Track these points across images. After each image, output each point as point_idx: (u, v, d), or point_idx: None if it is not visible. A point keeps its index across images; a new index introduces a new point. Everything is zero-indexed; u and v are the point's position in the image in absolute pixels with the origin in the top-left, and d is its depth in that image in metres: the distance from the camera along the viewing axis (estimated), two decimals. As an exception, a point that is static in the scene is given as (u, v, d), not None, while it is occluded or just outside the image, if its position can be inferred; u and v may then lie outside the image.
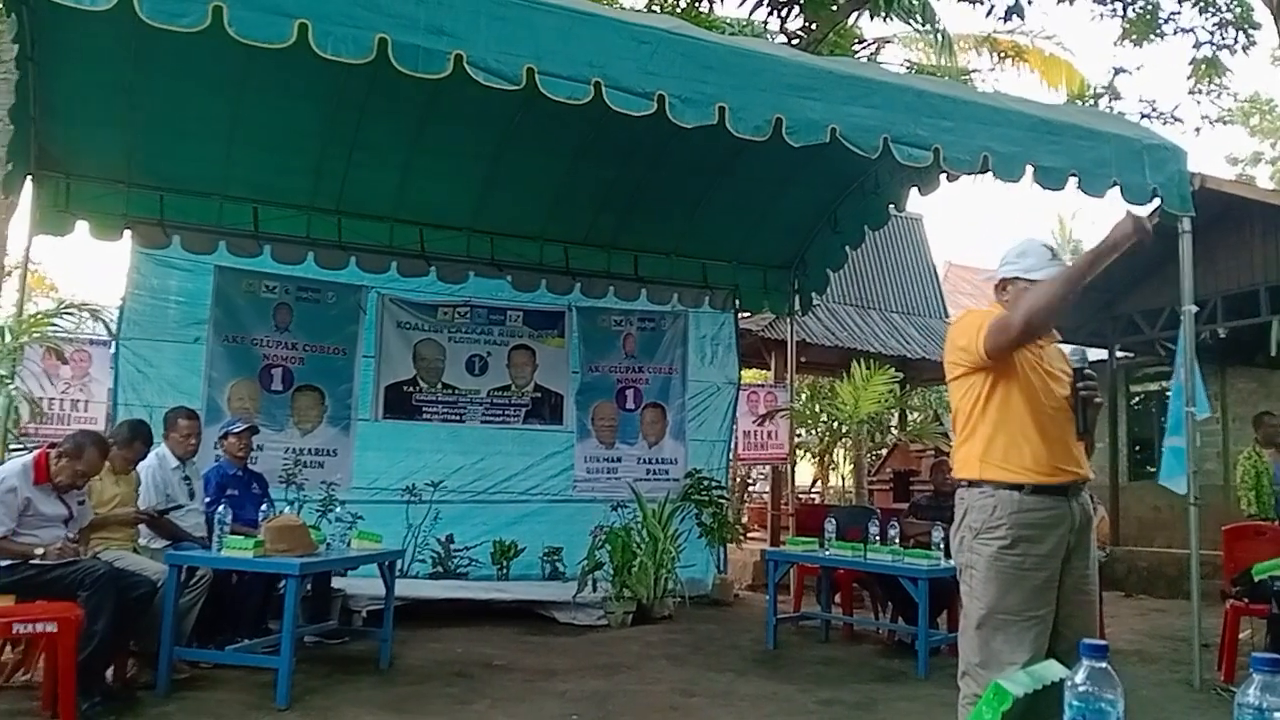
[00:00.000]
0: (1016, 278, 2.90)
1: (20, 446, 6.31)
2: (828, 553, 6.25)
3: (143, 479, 5.24)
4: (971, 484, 2.86)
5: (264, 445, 6.97)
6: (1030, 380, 2.81)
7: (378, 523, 6.89)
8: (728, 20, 10.79)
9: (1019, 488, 2.75)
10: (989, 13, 10.82)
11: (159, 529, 5.21)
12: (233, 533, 4.82)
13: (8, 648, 4.63)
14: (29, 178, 6.53)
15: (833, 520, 6.43)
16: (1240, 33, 11.02)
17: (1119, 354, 11.75)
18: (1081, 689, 1.24)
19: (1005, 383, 2.82)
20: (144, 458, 5.26)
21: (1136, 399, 13.79)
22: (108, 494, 4.98)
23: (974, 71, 13.33)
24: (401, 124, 6.82)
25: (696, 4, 10.86)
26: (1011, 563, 2.72)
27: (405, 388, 8.09)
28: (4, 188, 6.21)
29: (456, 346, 8.27)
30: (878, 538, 6.06)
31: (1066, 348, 2.96)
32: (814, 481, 16.99)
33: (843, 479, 16.58)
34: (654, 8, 10.73)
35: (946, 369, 2.99)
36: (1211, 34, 11.14)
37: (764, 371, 13.06)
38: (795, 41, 10.66)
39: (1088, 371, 2.78)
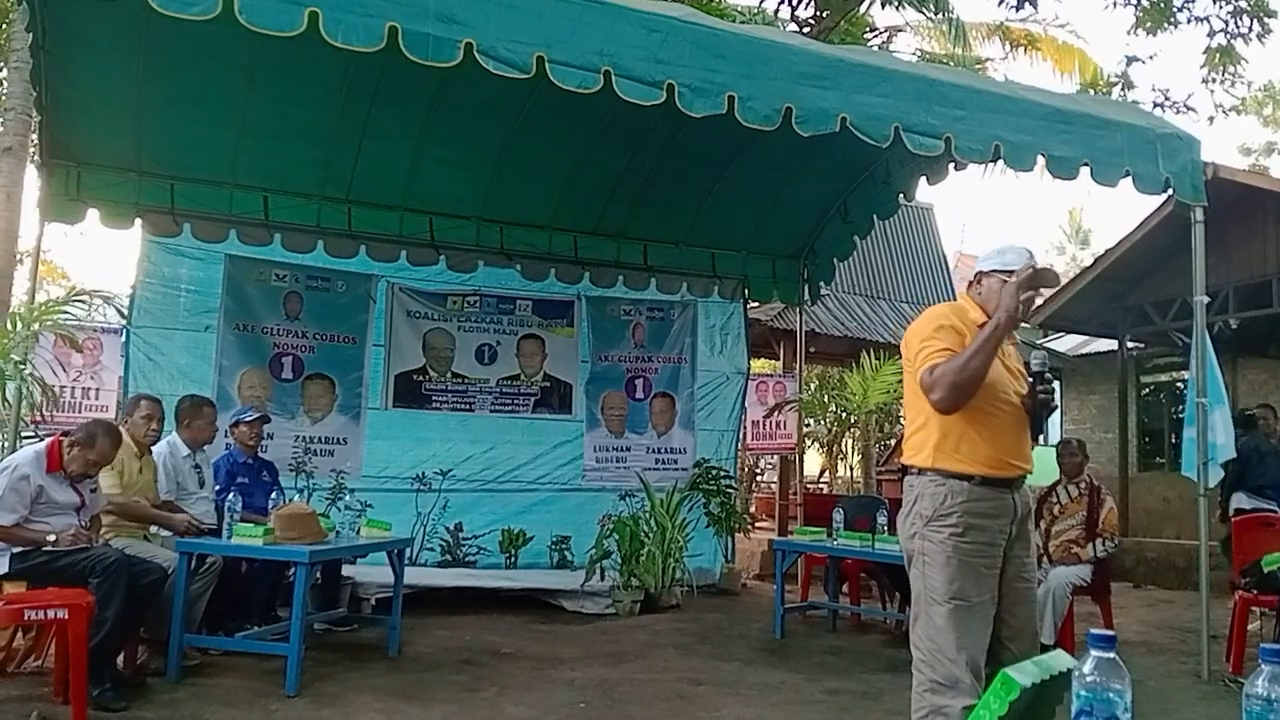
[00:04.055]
0: (994, 270, 2.94)
1: (32, 434, 6.36)
2: (835, 543, 6.27)
3: (157, 467, 5.27)
4: (922, 471, 2.90)
5: (274, 433, 7.02)
6: (988, 376, 2.83)
7: (387, 511, 6.95)
8: (738, 8, 10.72)
9: (969, 478, 2.81)
10: (1001, 1, 10.76)
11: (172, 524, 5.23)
12: (243, 520, 4.84)
13: (19, 634, 4.66)
14: (40, 166, 6.56)
15: (841, 510, 6.45)
16: (1255, 21, 10.90)
17: (1130, 344, 11.71)
18: (1089, 679, 1.25)
19: None
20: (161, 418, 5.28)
21: (1147, 390, 13.74)
22: (133, 476, 5.01)
23: (986, 60, 13.23)
24: (411, 113, 6.82)
25: (706, -8, 10.80)
26: (965, 550, 2.78)
27: (415, 377, 8.09)
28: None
29: (466, 335, 8.27)
30: (886, 528, 6.05)
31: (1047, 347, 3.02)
32: (822, 471, 16.97)
33: (851, 469, 16.56)
34: (664, -4, 10.67)
35: (904, 361, 3.04)
36: (1226, 22, 11.02)
37: (773, 361, 13.04)
38: (806, 30, 10.61)
39: (1047, 375, 2.87)
